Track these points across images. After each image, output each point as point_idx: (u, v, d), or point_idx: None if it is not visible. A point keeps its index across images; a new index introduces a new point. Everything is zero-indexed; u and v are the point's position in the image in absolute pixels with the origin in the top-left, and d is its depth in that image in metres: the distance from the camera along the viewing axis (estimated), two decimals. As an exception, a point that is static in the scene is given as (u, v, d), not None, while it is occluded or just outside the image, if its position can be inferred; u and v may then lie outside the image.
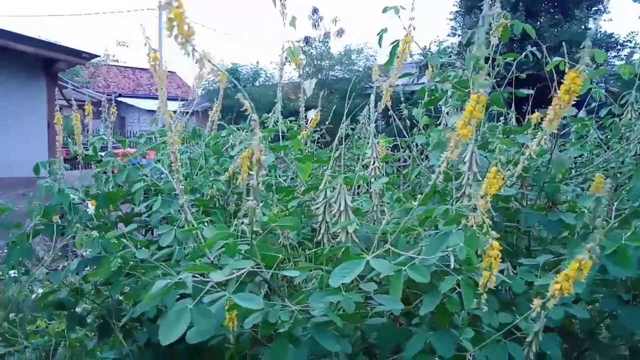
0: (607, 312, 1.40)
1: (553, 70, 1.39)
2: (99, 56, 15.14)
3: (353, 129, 2.25)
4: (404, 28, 1.14)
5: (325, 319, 0.82)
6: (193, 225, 0.95)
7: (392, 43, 1.18)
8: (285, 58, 1.91)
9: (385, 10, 1.20)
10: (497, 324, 0.94)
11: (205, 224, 1.05)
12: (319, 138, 2.23)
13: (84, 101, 1.98)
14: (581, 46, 0.97)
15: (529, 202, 1.54)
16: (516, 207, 1.50)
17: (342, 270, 0.78)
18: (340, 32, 13.55)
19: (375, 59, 12.83)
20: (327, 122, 2.30)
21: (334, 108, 2.07)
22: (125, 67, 22.96)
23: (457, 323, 0.97)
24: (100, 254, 1.15)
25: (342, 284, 0.79)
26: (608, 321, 1.43)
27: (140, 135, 2.18)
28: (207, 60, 0.64)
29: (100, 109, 1.99)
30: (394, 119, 2.22)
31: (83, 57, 7.00)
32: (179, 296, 0.92)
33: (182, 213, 0.99)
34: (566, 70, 1.30)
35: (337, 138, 2.00)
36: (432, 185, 1.48)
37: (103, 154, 1.90)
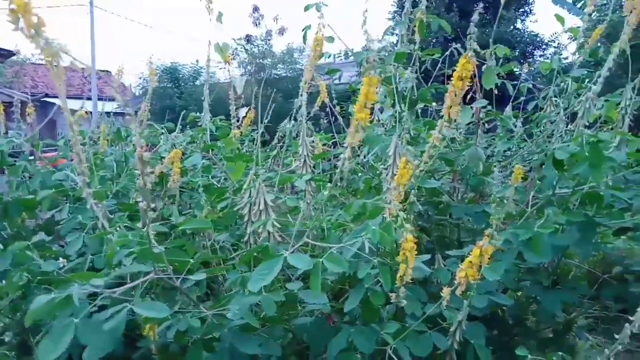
0: (532, 298, 1.47)
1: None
2: (18, 54, 13.93)
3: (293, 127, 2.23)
4: (325, 25, 1.13)
5: (242, 322, 0.79)
6: (107, 231, 0.89)
7: (314, 43, 1.17)
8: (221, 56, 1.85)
9: (307, 8, 1.18)
10: (422, 314, 0.95)
11: (117, 228, 0.99)
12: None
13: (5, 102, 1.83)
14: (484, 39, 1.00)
15: (459, 195, 1.59)
16: (447, 200, 1.54)
17: (261, 271, 0.75)
18: (281, 31, 13.49)
19: (317, 58, 12.90)
20: (266, 121, 2.27)
21: (273, 106, 2.04)
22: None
23: (383, 317, 0.97)
24: (7, 268, 1.06)
25: (264, 285, 0.76)
26: (534, 307, 1.50)
27: (62, 137, 2.04)
28: (64, 53, 0.58)
29: (13, 109, 1.84)
30: (335, 116, 2.23)
31: (0, 54, 6.49)
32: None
33: (98, 219, 0.93)
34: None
35: (276, 137, 1.97)
36: (366, 182, 1.50)
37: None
